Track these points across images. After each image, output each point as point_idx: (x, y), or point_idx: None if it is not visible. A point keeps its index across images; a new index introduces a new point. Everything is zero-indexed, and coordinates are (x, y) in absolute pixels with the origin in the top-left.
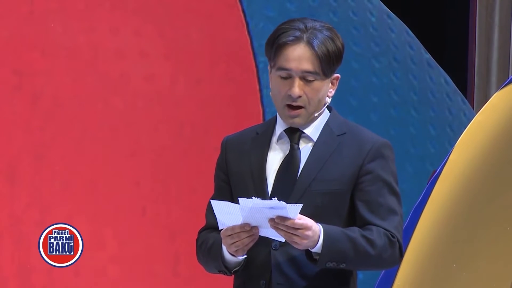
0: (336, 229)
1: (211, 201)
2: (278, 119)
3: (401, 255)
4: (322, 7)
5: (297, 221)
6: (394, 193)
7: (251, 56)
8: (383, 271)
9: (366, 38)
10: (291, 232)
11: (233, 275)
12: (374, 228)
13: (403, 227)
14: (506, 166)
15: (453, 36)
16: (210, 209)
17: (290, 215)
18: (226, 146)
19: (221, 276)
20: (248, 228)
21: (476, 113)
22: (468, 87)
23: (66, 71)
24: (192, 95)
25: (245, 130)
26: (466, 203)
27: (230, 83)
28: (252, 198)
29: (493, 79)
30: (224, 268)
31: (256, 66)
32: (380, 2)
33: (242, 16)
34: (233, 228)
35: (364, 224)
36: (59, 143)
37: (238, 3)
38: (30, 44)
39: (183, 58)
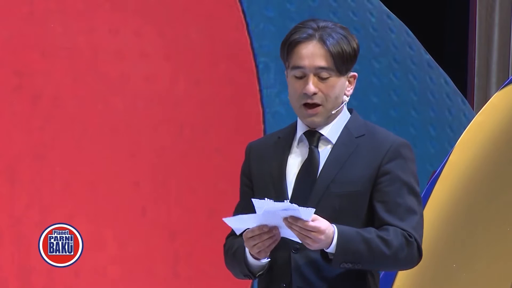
0: (350, 230)
1: (223, 219)
2: (299, 122)
3: (420, 255)
4: (322, 8)
5: (310, 223)
6: (413, 193)
7: (251, 56)
8: (383, 272)
9: (366, 38)
10: (303, 233)
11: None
12: (390, 228)
13: None
14: (506, 166)
15: (453, 36)
16: (236, 214)
17: (303, 217)
18: (250, 152)
19: (221, 276)
20: (266, 229)
21: (476, 114)
22: (468, 87)
23: (66, 71)
24: (192, 96)
25: (268, 135)
26: (466, 203)
27: (230, 83)
28: (264, 199)
29: (493, 79)
30: (248, 271)
31: (256, 67)
32: (380, 2)
33: (242, 16)
34: (252, 230)
35: (382, 224)
36: (59, 143)
37: (238, 3)
38: (30, 44)
39: (183, 59)
